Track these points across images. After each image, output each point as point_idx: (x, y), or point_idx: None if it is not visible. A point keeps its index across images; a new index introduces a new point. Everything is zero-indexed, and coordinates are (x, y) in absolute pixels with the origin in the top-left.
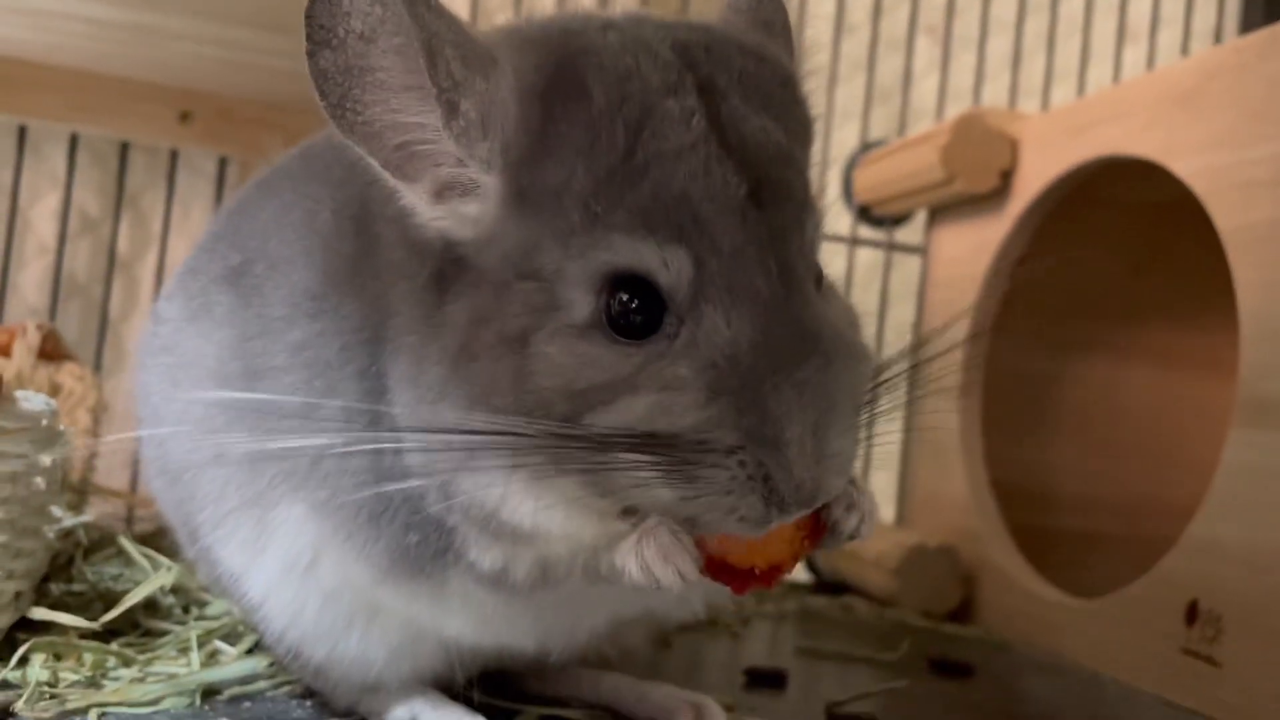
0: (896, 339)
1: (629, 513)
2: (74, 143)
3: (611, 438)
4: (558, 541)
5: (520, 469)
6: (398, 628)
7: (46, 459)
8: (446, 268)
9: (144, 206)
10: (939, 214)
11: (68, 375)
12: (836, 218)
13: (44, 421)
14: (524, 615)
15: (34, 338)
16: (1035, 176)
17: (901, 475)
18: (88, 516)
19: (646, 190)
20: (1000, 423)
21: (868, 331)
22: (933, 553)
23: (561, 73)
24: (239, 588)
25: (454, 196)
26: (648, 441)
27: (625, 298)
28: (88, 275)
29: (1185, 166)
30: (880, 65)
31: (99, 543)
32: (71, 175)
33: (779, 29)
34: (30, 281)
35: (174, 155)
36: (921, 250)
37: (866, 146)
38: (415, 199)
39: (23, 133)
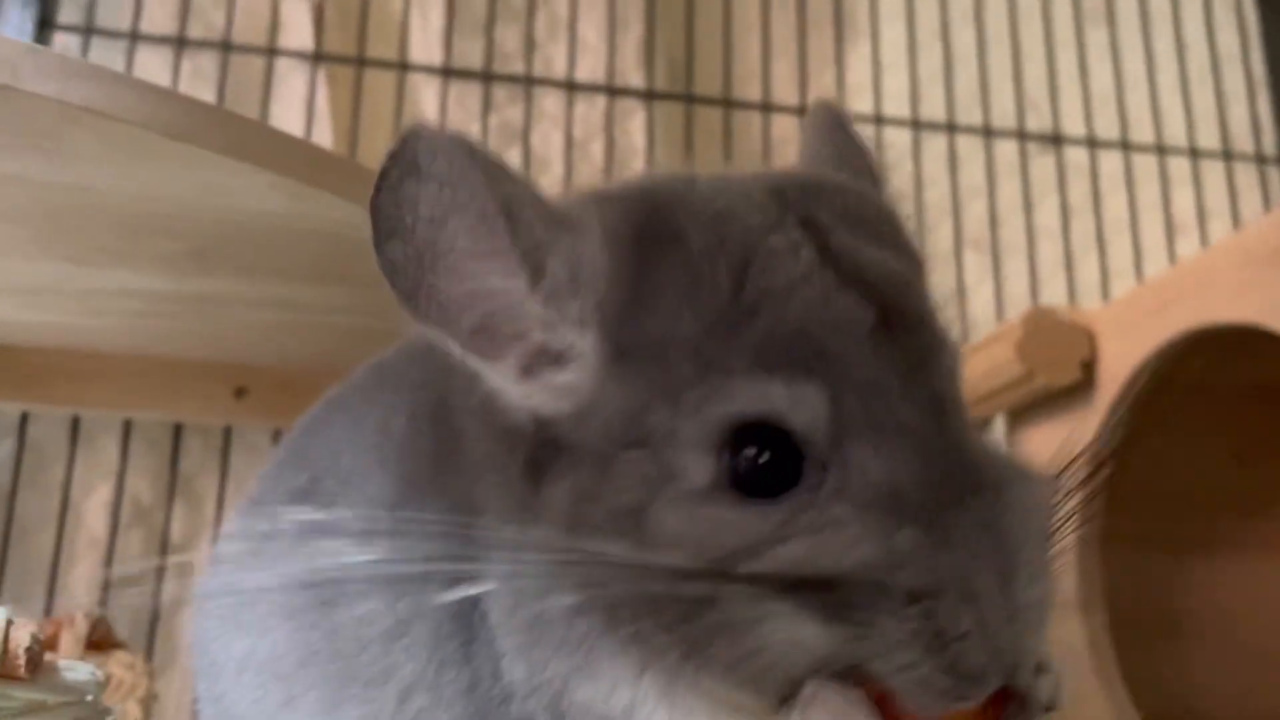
0: None
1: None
2: (127, 430)
3: (758, 584)
4: None
5: (652, 667)
6: None
7: None
8: (540, 454)
9: (198, 489)
10: (1018, 418)
11: (117, 665)
12: None
13: (89, 696)
14: None
15: (82, 627)
16: (1119, 364)
17: None
18: None
19: (761, 328)
20: (1132, 639)
21: None
22: None
23: (652, 220)
24: None
25: (544, 369)
26: (802, 588)
27: (752, 452)
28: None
29: None
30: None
31: None
32: (125, 464)
33: (865, 172)
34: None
35: (228, 433)
36: None
37: None
38: (501, 380)
39: (75, 424)
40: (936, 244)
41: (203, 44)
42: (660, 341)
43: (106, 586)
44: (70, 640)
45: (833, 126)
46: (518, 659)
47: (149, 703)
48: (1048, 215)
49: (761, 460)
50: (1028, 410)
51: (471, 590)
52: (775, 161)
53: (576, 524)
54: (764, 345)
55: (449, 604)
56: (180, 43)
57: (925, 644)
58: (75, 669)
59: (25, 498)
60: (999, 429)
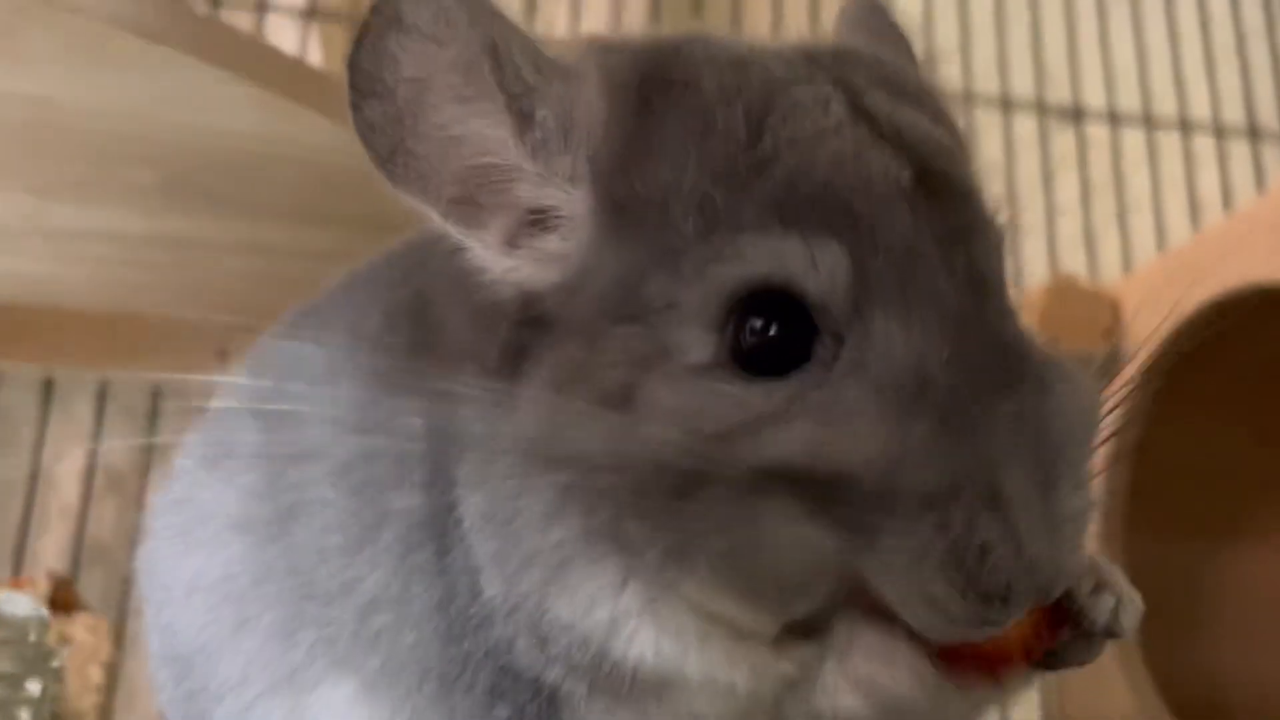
0: None
1: (793, 635)
2: (103, 394)
3: (752, 489)
4: (699, 692)
5: (633, 577)
6: None
7: (35, 686)
8: (523, 335)
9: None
10: None
11: (79, 627)
12: None
13: (31, 636)
14: None
15: (43, 586)
16: (1143, 334)
17: (1045, 695)
18: None
19: (779, 180)
20: (1154, 623)
21: None
22: None
23: (661, 64)
24: None
25: (530, 236)
26: (803, 486)
27: (760, 323)
28: (114, 537)
29: None
30: None
31: None
32: (99, 429)
33: (902, 48)
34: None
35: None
36: None
37: None
38: (483, 252)
39: (48, 387)
40: None
41: (238, 3)
42: (661, 196)
43: (77, 555)
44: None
45: (870, 11)
46: (493, 571)
47: (112, 668)
48: (1067, 192)
49: (770, 332)
50: None
51: (444, 489)
52: None
53: (557, 410)
54: (780, 199)
55: (419, 508)
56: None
57: (938, 559)
58: (15, 601)
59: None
60: None
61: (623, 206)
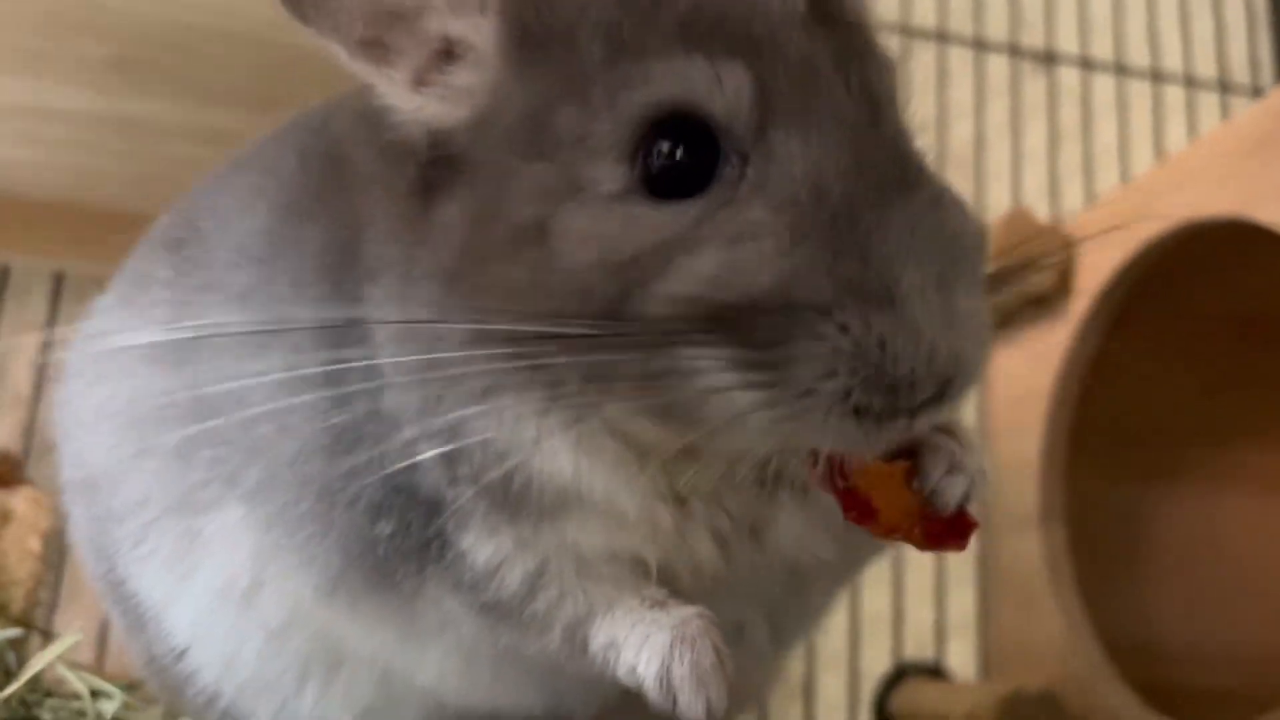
0: None
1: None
2: (59, 284)
3: (668, 323)
4: (591, 517)
5: (558, 399)
6: (367, 681)
7: None
8: (432, 173)
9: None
10: (996, 328)
11: (22, 500)
12: None
13: None
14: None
15: None
16: (1097, 270)
17: (980, 620)
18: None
19: (684, 4)
20: (1091, 561)
21: None
22: (1034, 701)
23: None
24: (161, 629)
25: (440, 72)
26: (717, 320)
27: (667, 147)
28: None
29: (1272, 212)
30: None
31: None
32: (54, 319)
33: None
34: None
35: None
36: None
37: None
38: (392, 90)
39: (4, 275)
40: None
41: None
42: (569, 26)
43: (29, 442)
44: None
45: None
46: (407, 389)
47: (51, 538)
48: (1035, 138)
49: (678, 155)
50: (1003, 320)
51: (343, 304)
52: None
53: (470, 247)
54: (685, 24)
55: (311, 320)
56: None
57: (847, 358)
58: None
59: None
60: None
61: (530, 37)
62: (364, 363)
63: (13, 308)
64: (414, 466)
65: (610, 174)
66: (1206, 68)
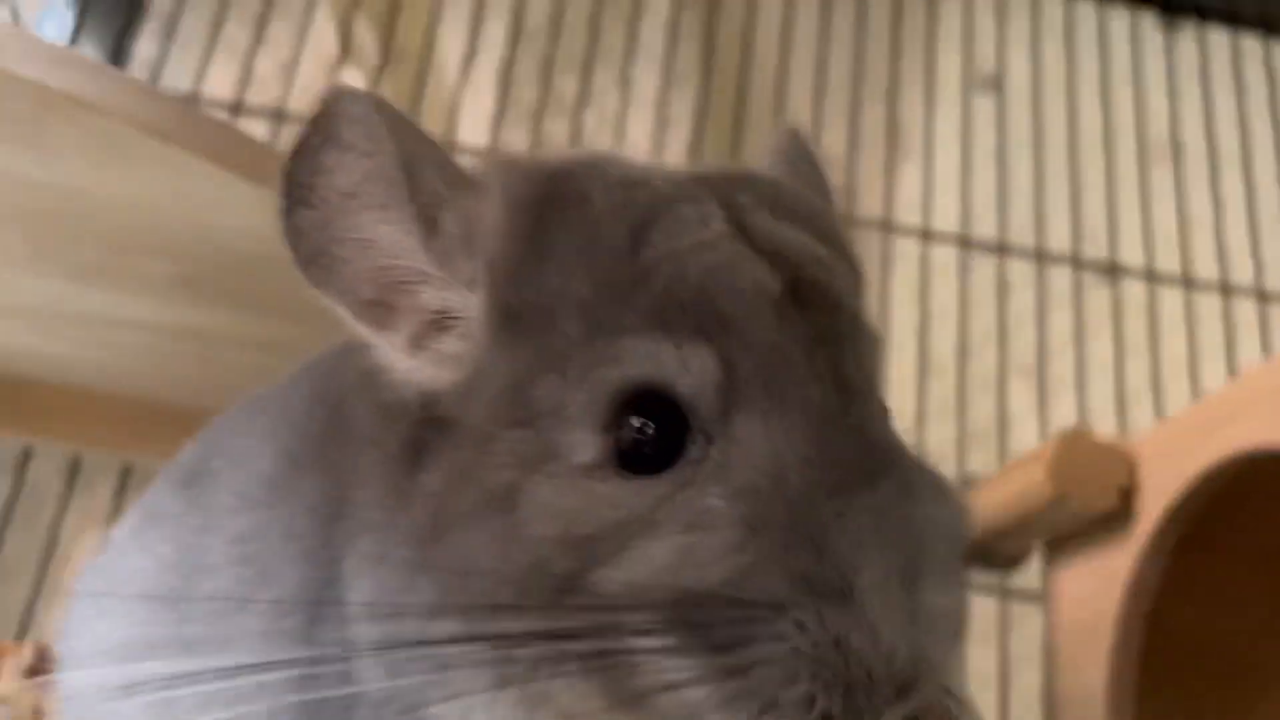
0: (1023, 710)
1: None
2: (125, 475)
3: (622, 608)
4: None
5: (510, 683)
6: None
7: None
8: (425, 433)
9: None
10: (1057, 551)
11: (54, 698)
12: None
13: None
14: None
15: (26, 656)
16: (1160, 492)
17: None
18: None
19: (657, 289)
20: None
21: (986, 694)
22: None
23: (557, 181)
24: None
25: (434, 339)
26: (674, 608)
27: (637, 423)
28: None
29: None
30: (971, 410)
31: None
32: (119, 510)
33: (819, 189)
34: None
35: None
36: (1041, 597)
37: (964, 484)
38: (390, 352)
39: (75, 466)
40: (982, 370)
41: (258, 111)
42: (550, 303)
43: None
44: (12, 667)
45: (792, 146)
46: (372, 658)
47: None
48: (1101, 350)
49: (648, 432)
50: (1067, 545)
51: (326, 565)
52: None
53: (445, 509)
54: (658, 307)
55: (298, 579)
56: (237, 109)
57: (807, 663)
58: None
59: (15, 538)
60: (1036, 561)
61: (515, 312)
62: (337, 626)
63: (81, 497)
64: None
65: (585, 443)
66: (1278, 282)
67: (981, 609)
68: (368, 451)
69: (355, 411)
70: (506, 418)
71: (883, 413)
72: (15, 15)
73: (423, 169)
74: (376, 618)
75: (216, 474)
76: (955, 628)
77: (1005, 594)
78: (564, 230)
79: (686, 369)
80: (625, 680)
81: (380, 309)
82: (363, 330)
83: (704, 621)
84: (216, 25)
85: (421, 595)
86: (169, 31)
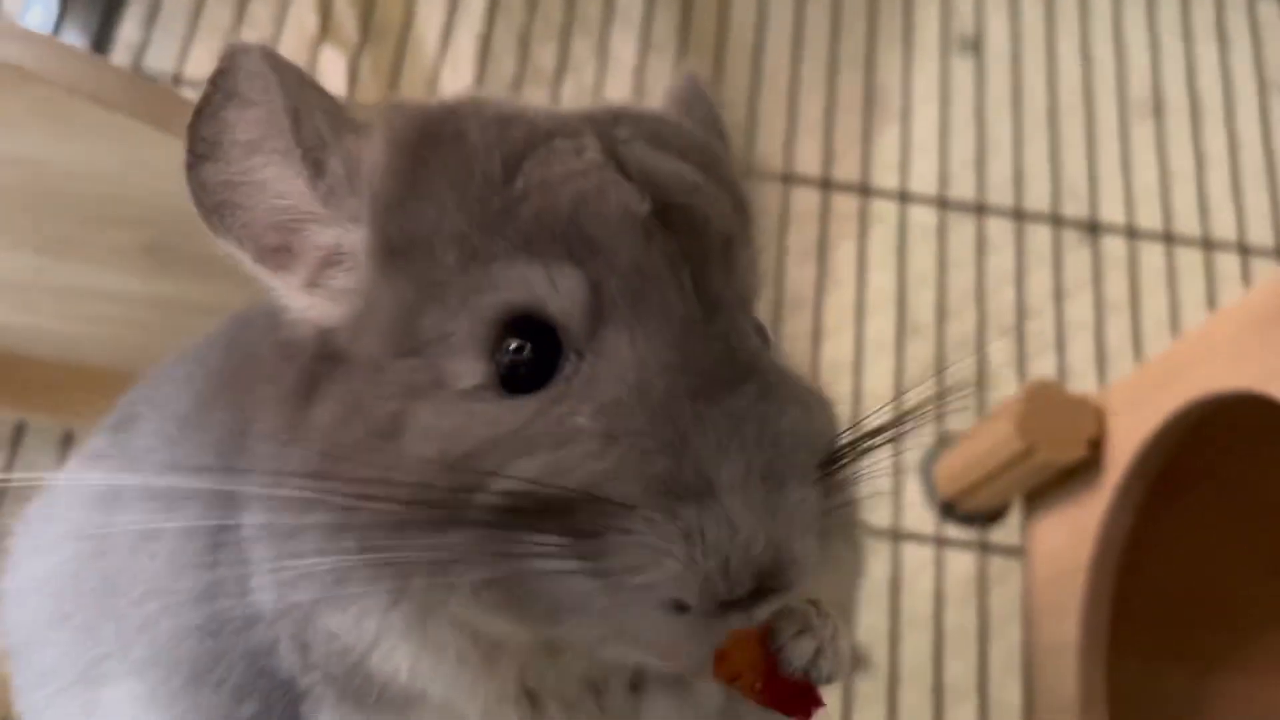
0: (1005, 662)
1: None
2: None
3: (504, 513)
4: (436, 715)
5: (404, 596)
6: None
7: None
8: (319, 368)
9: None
10: (1035, 505)
11: None
12: (920, 522)
13: None
14: None
15: None
16: (1128, 441)
17: None
18: None
19: (528, 216)
20: None
21: (967, 651)
22: None
23: (436, 120)
24: None
25: (327, 277)
26: (548, 511)
27: (514, 345)
28: None
29: None
30: (951, 370)
31: None
32: None
33: (710, 122)
34: None
35: None
36: (1020, 551)
37: (943, 441)
38: (287, 292)
39: (68, 439)
40: (961, 329)
41: None
42: (429, 235)
43: None
44: None
45: (690, 90)
46: (267, 578)
47: None
48: (1081, 309)
49: (524, 352)
50: (1043, 498)
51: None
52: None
53: (336, 440)
54: (529, 233)
55: (200, 504)
56: None
57: (652, 554)
58: None
59: (10, 511)
60: (1015, 514)
61: (398, 246)
62: (235, 550)
63: (25, 466)
64: (274, 651)
65: (470, 370)
66: (1261, 235)
67: (962, 565)
68: (265, 388)
69: (260, 350)
70: (395, 349)
71: (751, 328)
72: None
73: (310, 115)
74: (272, 538)
75: (140, 417)
76: (812, 519)
77: (985, 549)
78: (441, 166)
79: (556, 290)
80: (505, 583)
81: (280, 254)
82: (263, 274)
83: (566, 523)
84: (198, 6)
85: (316, 521)
86: (151, 15)
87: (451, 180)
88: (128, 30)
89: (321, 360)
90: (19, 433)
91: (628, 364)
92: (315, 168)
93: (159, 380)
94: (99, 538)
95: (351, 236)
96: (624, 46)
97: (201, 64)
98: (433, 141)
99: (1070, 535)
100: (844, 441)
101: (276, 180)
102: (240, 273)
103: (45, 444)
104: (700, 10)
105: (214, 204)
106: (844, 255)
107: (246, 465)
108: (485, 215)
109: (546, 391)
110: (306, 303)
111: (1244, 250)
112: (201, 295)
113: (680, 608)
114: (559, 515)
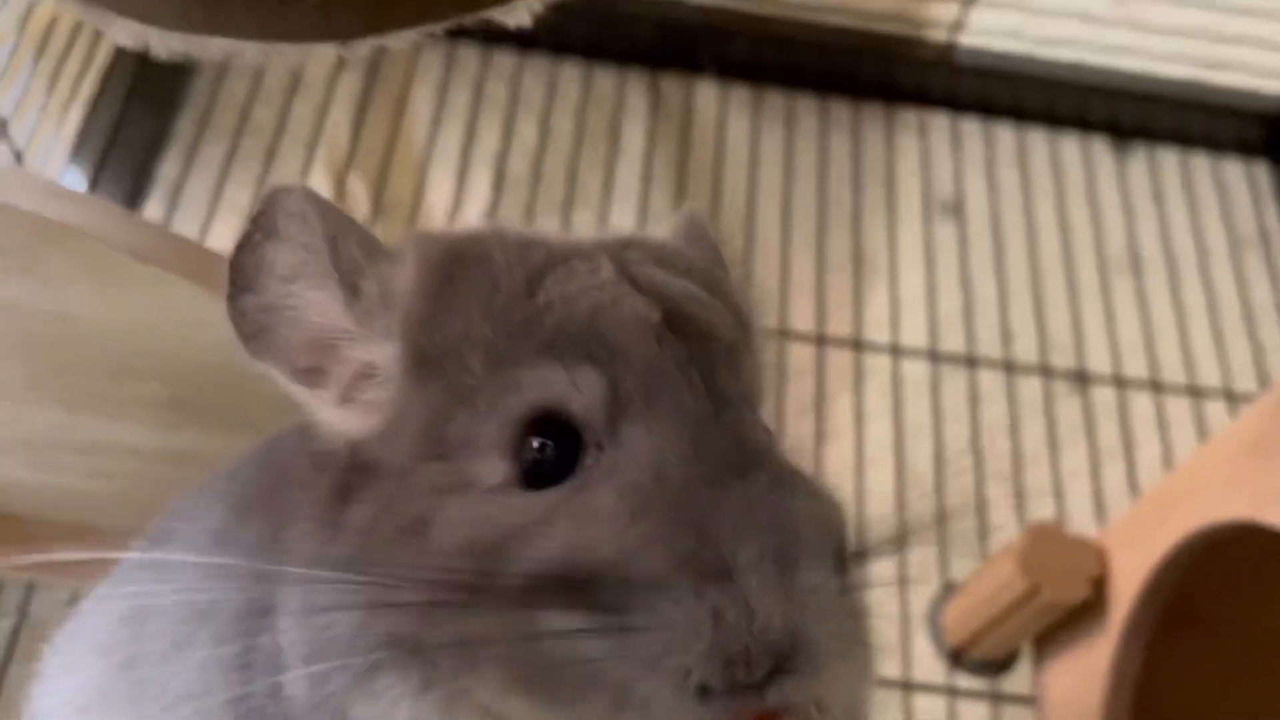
0: None
1: None
2: None
3: (526, 593)
4: None
5: (434, 683)
6: None
7: None
8: (353, 477)
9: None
10: (1044, 650)
11: None
12: (931, 672)
13: None
14: None
15: None
16: (1131, 578)
17: None
18: None
19: (550, 323)
20: None
21: None
22: None
23: (463, 243)
24: None
25: (360, 391)
26: (565, 592)
27: (537, 444)
28: None
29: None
30: (951, 521)
31: None
32: None
33: (710, 252)
34: None
35: None
36: (1033, 700)
37: (948, 589)
38: (321, 407)
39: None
40: (959, 480)
41: None
42: (457, 346)
43: None
44: None
45: (690, 225)
46: (301, 676)
47: None
48: (1076, 457)
49: (546, 450)
50: (1051, 638)
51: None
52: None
53: (369, 539)
54: (551, 339)
55: (232, 613)
56: None
57: (682, 636)
58: None
59: (18, 672)
60: (1026, 662)
61: (427, 357)
62: (269, 654)
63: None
64: None
65: (494, 469)
66: (1246, 383)
67: (975, 716)
68: (299, 495)
69: (292, 464)
70: (424, 453)
71: (758, 423)
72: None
73: (346, 242)
74: (306, 628)
75: (173, 533)
76: (830, 603)
77: (997, 699)
78: (468, 282)
79: (578, 389)
80: (526, 661)
81: (313, 373)
82: (298, 392)
83: (590, 599)
84: (219, 188)
85: (348, 613)
86: (174, 197)
87: (478, 295)
88: (152, 208)
89: (353, 470)
90: (28, 595)
91: (646, 453)
92: (351, 290)
93: (192, 498)
94: (128, 651)
95: (384, 351)
96: (623, 218)
97: (221, 238)
98: (460, 262)
99: (1081, 679)
100: (852, 541)
101: (313, 304)
102: (256, 425)
103: (58, 604)
104: (695, 180)
105: (252, 330)
106: (841, 408)
107: (279, 569)
108: (510, 325)
109: (569, 483)
110: (339, 416)
111: (1230, 397)
112: (220, 448)
113: (703, 690)
114: (583, 593)
